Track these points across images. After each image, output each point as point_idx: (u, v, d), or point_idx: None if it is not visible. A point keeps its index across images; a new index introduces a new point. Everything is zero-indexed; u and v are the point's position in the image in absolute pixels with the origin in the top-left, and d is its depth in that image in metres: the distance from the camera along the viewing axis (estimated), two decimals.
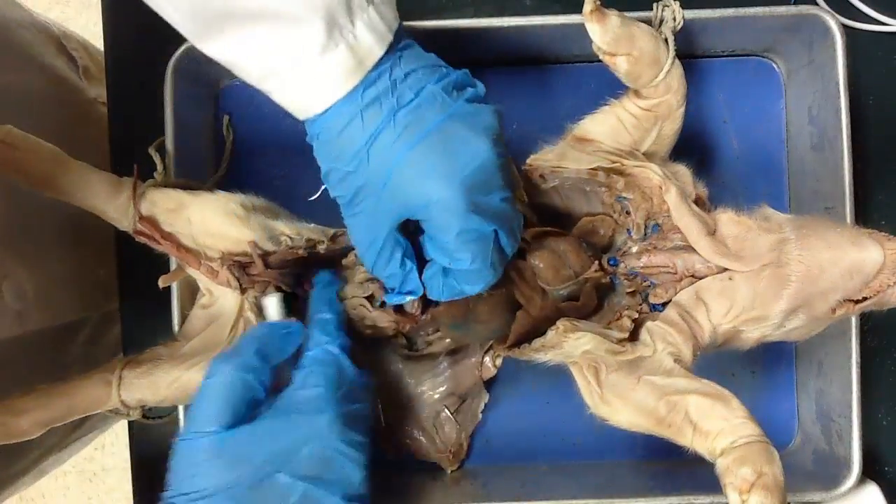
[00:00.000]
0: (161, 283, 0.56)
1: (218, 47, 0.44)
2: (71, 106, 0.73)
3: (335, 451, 0.46)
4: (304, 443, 0.45)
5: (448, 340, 0.54)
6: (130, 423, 0.65)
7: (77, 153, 0.55)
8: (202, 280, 0.56)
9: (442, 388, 0.60)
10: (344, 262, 0.55)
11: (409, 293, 0.50)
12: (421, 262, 0.50)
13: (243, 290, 0.54)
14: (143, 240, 0.55)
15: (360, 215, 0.47)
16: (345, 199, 0.47)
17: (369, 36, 0.43)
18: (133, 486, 0.65)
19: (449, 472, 0.62)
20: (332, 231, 0.55)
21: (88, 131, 0.70)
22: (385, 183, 0.44)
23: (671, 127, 0.53)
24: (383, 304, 0.54)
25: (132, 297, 0.65)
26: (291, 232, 0.54)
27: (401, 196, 0.45)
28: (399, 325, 0.54)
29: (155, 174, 0.57)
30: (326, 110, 0.44)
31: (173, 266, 0.58)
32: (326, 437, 0.45)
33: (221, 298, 0.56)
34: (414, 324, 0.54)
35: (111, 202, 0.54)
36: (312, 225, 0.55)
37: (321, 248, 0.55)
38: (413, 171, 0.44)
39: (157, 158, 0.58)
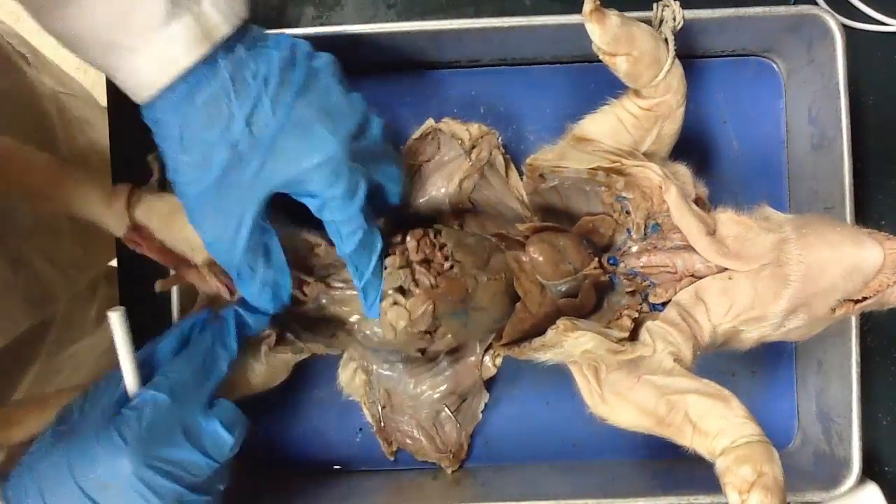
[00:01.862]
0: (158, 287, 0.56)
1: (60, 21, 0.43)
2: (35, 107, 0.71)
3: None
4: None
5: (449, 336, 0.54)
6: None
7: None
8: (199, 284, 0.56)
9: (442, 388, 0.60)
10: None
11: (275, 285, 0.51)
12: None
13: (232, 294, 0.54)
14: (133, 247, 0.55)
15: (222, 200, 0.46)
16: (201, 188, 0.46)
17: (215, 13, 0.44)
18: None
19: (449, 472, 0.62)
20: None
21: (55, 133, 0.70)
22: (268, 148, 0.45)
23: (671, 127, 0.53)
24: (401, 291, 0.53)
25: (132, 298, 0.65)
26: (286, 232, 0.54)
27: (285, 160, 0.45)
28: (435, 291, 0.53)
29: (151, 181, 0.57)
30: (180, 81, 0.43)
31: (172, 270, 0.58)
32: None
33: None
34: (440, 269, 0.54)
35: (108, 210, 0.54)
36: (309, 229, 0.55)
37: (319, 250, 0.55)
38: (297, 132, 0.45)
39: (154, 166, 0.58)
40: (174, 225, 0.54)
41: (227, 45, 0.44)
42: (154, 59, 0.43)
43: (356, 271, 0.52)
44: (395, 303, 0.53)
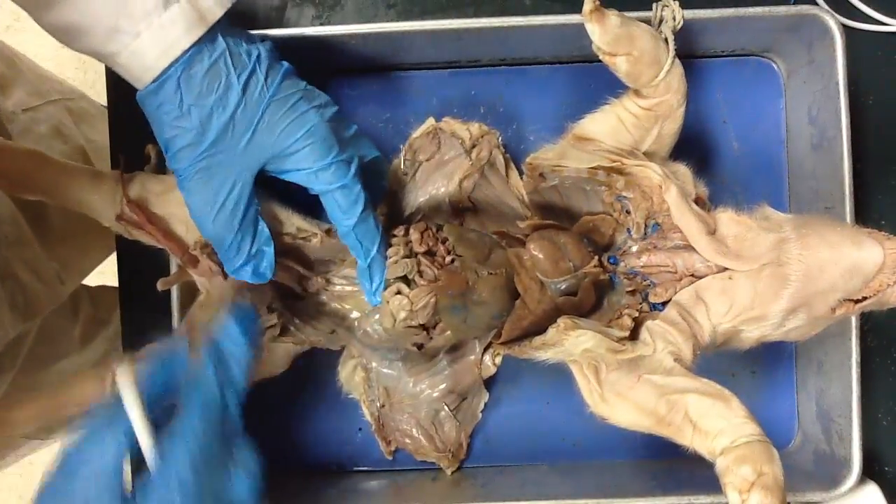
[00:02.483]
0: (160, 286, 0.56)
1: (61, 12, 0.45)
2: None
3: None
4: None
5: (448, 333, 0.54)
6: None
7: None
8: (199, 280, 0.56)
9: (441, 386, 0.60)
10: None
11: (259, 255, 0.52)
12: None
13: (225, 275, 0.54)
14: (125, 226, 0.54)
15: (215, 167, 0.48)
16: (195, 152, 0.48)
17: None
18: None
19: (448, 472, 0.62)
20: (326, 226, 0.55)
21: None
22: (260, 119, 0.48)
23: (671, 126, 0.53)
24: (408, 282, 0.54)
25: (132, 298, 0.65)
26: (281, 216, 0.54)
27: (275, 131, 0.48)
28: (438, 284, 0.53)
29: (146, 168, 0.57)
30: (181, 60, 0.46)
31: (173, 269, 0.58)
32: None
33: (217, 297, 0.56)
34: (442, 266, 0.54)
35: (96, 190, 0.54)
36: (304, 217, 0.55)
37: (315, 241, 0.55)
38: (284, 107, 0.49)
39: (152, 153, 0.58)
40: (168, 204, 0.54)
41: (223, 28, 0.47)
42: (154, 42, 0.45)
43: (361, 248, 0.52)
44: (399, 292, 0.53)
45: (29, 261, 0.67)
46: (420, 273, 0.53)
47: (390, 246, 0.54)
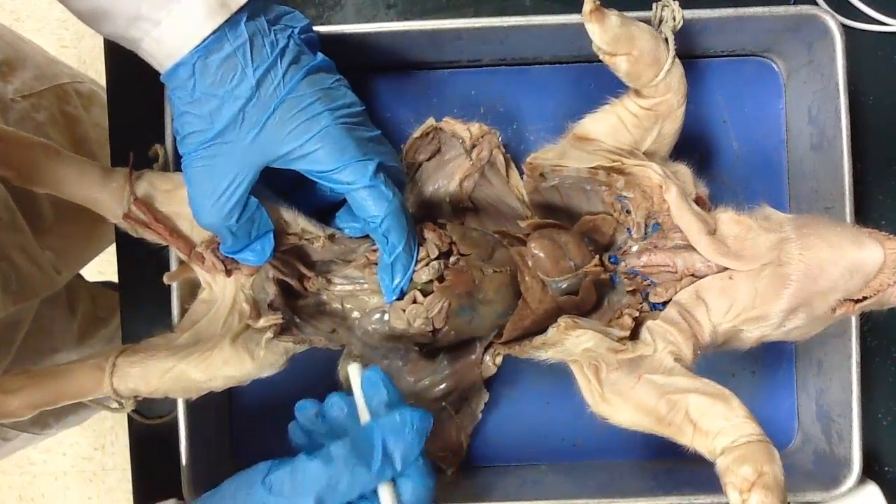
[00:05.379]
0: (166, 279, 0.56)
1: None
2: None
3: None
4: None
5: (453, 334, 0.54)
6: (131, 423, 0.64)
7: None
8: (202, 275, 0.56)
9: (442, 386, 0.60)
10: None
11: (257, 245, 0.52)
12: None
13: (229, 273, 0.54)
14: (132, 224, 0.54)
15: (219, 157, 0.48)
16: (201, 139, 0.48)
17: None
18: (133, 486, 0.65)
19: (448, 472, 0.62)
20: (330, 230, 0.55)
21: None
22: (271, 115, 0.47)
23: (671, 126, 0.53)
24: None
25: (132, 296, 0.65)
26: (287, 217, 0.54)
27: (285, 130, 0.47)
28: (449, 289, 0.52)
29: (154, 166, 0.57)
30: (199, 47, 0.45)
31: (173, 265, 0.58)
32: None
33: (220, 292, 0.56)
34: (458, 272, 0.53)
35: (105, 187, 0.54)
36: (310, 219, 0.55)
37: (317, 244, 0.55)
38: (298, 106, 0.48)
39: (161, 152, 0.58)
40: (175, 201, 0.54)
41: (250, 13, 0.46)
42: (175, 29, 0.45)
43: (386, 244, 0.51)
44: (415, 300, 0.53)
45: (23, 245, 0.67)
46: (440, 279, 0.53)
47: (420, 245, 0.53)
